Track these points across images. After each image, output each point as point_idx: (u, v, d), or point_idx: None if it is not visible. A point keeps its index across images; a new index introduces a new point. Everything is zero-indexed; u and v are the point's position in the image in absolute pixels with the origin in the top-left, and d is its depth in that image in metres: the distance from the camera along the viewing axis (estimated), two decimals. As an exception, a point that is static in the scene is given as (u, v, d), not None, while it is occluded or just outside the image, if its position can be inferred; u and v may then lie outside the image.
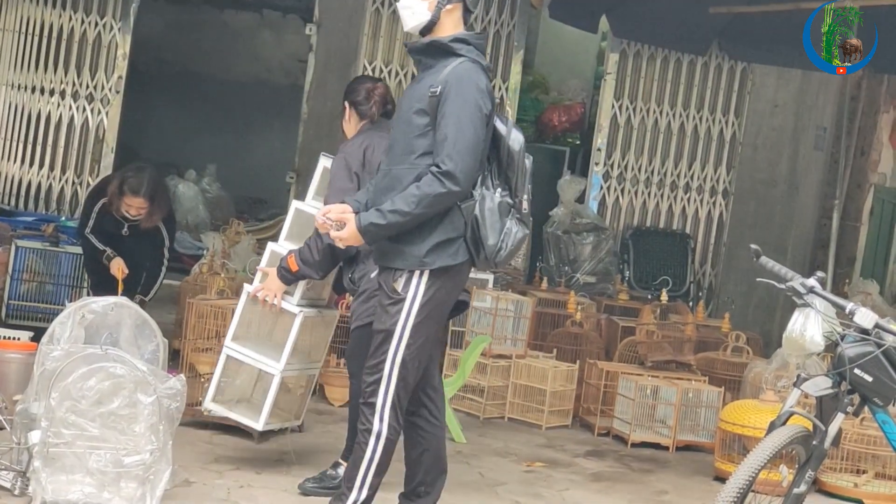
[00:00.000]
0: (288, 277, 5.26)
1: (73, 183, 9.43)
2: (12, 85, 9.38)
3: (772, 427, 4.22)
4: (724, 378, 7.45)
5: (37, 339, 5.59)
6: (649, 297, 8.95)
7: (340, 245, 4.58)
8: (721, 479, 6.06)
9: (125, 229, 6.99)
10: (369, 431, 4.43)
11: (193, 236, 11.91)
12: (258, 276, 5.48)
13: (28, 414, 4.68)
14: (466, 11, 4.57)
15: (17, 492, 4.65)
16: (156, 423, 4.54)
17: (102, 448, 4.50)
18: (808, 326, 4.76)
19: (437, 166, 4.31)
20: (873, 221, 11.42)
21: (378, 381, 4.42)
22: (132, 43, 9.41)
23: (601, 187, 10.08)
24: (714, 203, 10.27)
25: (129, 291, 6.77)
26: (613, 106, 10.06)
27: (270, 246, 5.56)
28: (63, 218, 8.90)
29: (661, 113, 10.16)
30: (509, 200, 4.46)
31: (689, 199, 10.25)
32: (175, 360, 6.38)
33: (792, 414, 4.25)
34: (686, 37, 9.85)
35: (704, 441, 7.03)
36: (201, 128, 14.56)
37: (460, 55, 4.44)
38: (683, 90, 10.19)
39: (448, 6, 4.49)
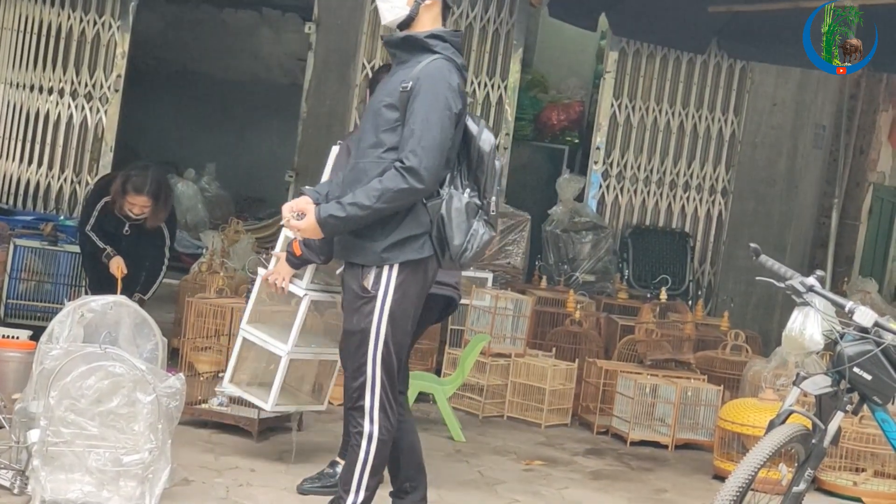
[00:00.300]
0: (294, 262, 5.28)
1: (72, 182, 9.42)
2: (11, 83, 9.38)
3: (771, 426, 4.23)
4: (723, 376, 7.46)
5: (36, 337, 5.59)
6: (648, 295, 8.95)
7: (298, 237, 4.50)
8: (720, 477, 6.07)
9: (126, 228, 6.98)
10: (361, 434, 4.42)
11: (192, 235, 11.91)
12: (273, 260, 5.53)
13: (27, 413, 4.68)
14: (446, 8, 4.54)
15: (16, 490, 4.64)
16: (155, 421, 4.54)
17: (101, 447, 4.50)
18: (808, 325, 4.74)
19: (401, 162, 4.27)
20: (872, 220, 11.43)
21: (363, 385, 4.40)
22: (131, 41, 9.41)
23: (600, 186, 10.08)
24: (713, 202, 10.27)
25: (129, 290, 6.77)
26: (612, 104, 10.06)
27: (284, 231, 5.61)
28: (62, 217, 8.89)
29: (660, 111, 10.16)
30: (477, 201, 4.42)
31: (688, 198, 10.25)
32: (174, 358, 6.39)
33: (791, 412, 4.26)
34: (685, 35, 9.85)
35: (703, 439, 7.04)
36: (200, 126, 14.57)
37: (435, 52, 4.40)
38: (682, 89, 10.18)
39: (427, 1, 4.45)
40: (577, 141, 11.36)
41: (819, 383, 4.30)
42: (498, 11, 9.75)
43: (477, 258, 4.49)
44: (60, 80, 9.39)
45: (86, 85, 9.40)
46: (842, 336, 4.33)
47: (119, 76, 9.37)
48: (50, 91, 9.40)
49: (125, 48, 9.38)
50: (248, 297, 5.86)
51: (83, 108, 9.40)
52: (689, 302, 9.36)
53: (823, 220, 10.98)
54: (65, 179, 9.42)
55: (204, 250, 9.04)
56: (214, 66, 14.73)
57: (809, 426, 4.28)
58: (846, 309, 4.28)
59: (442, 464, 6.08)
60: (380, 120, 4.40)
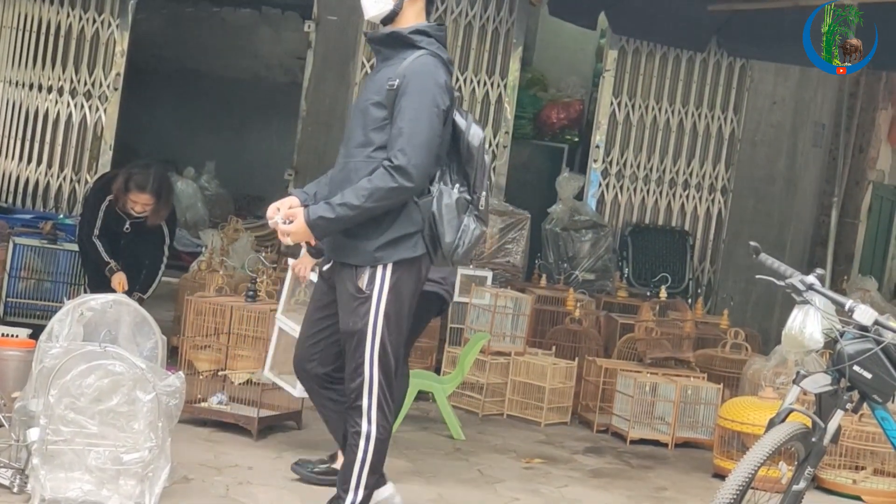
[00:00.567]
0: (311, 251, 5.31)
1: (72, 180, 9.42)
2: (10, 82, 9.38)
3: (771, 424, 4.22)
4: (722, 375, 7.46)
5: (35, 336, 5.59)
6: (648, 294, 8.95)
7: (288, 241, 4.45)
8: (720, 475, 6.06)
9: (127, 226, 6.98)
10: (359, 434, 4.42)
11: (192, 233, 11.91)
12: (302, 249, 5.57)
13: (27, 411, 4.67)
14: (429, 3, 4.51)
15: (15, 489, 4.64)
16: (154, 420, 4.54)
17: (101, 445, 4.49)
18: (808, 323, 4.74)
19: (390, 160, 4.25)
20: (871, 218, 11.44)
21: (361, 385, 4.39)
22: (130, 40, 9.40)
23: (600, 184, 10.07)
24: (713, 200, 10.27)
25: (128, 289, 6.76)
26: (612, 103, 10.05)
27: None
28: (61, 215, 8.89)
29: (659, 110, 10.16)
30: (467, 196, 4.40)
31: (687, 196, 10.24)
32: (174, 357, 6.38)
33: (791, 411, 4.26)
34: (685, 34, 9.84)
35: (703, 438, 7.04)
36: (200, 125, 14.58)
37: (420, 47, 4.37)
38: (682, 87, 10.18)
39: None
40: (576, 139, 11.35)
41: (819, 382, 4.30)
42: (497, 10, 9.74)
43: (468, 254, 4.48)
44: (60, 79, 9.39)
45: (85, 83, 9.39)
46: (841, 334, 4.33)
47: (118, 74, 9.37)
48: (49, 89, 9.39)
49: (124, 46, 9.37)
50: (278, 293, 6.23)
51: (82, 106, 9.39)
52: (689, 300, 9.36)
53: (823, 219, 10.99)
54: (64, 178, 9.41)
55: (203, 249, 9.04)
56: (214, 65, 14.73)
57: (809, 424, 4.28)
58: (846, 307, 4.28)
59: (441, 462, 6.09)
60: (368, 118, 4.37)
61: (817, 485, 6.25)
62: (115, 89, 9.37)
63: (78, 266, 7.77)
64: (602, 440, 7.09)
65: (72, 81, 9.39)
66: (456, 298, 7.62)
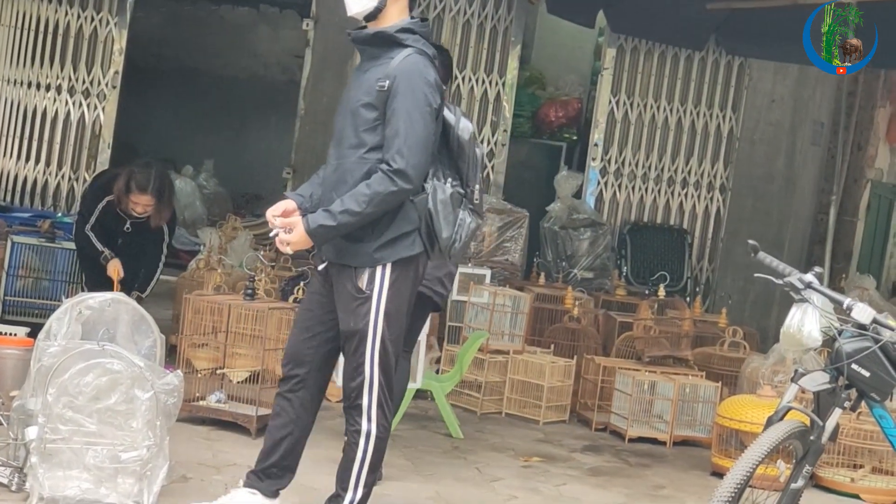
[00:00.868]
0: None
1: (70, 179, 9.41)
2: (8, 80, 9.36)
3: (769, 422, 4.22)
4: (721, 373, 7.46)
5: (33, 335, 5.58)
6: (646, 292, 8.95)
7: (288, 251, 4.43)
8: (718, 474, 6.07)
9: (127, 226, 6.98)
10: (359, 433, 4.42)
11: (190, 232, 11.90)
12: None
13: (25, 410, 4.67)
14: None
15: (14, 488, 4.64)
16: (153, 418, 4.54)
17: (99, 444, 4.49)
18: (806, 322, 4.74)
19: (388, 164, 4.24)
20: (870, 217, 11.42)
21: (361, 384, 4.40)
22: (128, 38, 9.40)
23: (598, 183, 10.07)
24: (711, 198, 10.27)
25: (126, 288, 6.76)
26: (610, 101, 10.05)
27: None
28: (59, 214, 8.89)
29: (658, 108, 10.16)
30: (461, 190, 4.40)
31: (686, 195, 10.25)
32: (172, 355, 6.37)
33: (789, 409, 4.26)
34: (683, 32, 9.84)
35: (701, 436, 7.04)
36: (198, 123, 14.56)
37: (407, 45, 4.35)
38: (681, 85, 10.18)
39: None
40: (575, 137, 11.35)
41: (817, 380, 4.30)
42: (496, 8, 9.74)
43: (465, 248, 4.48)
44: (58, 77, 9.38)
45: (83, 82, 9.39)
46: (840, 332, 4.33)
47: (116, 73, 9.36)
48: (48, 88, 9.38)
49: (122, 45, 9.37)
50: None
51: (81, 104, 9.39)
52: (687, 298, 9.37)
53: (821, 217, 10.98)
54: (62, 176, 9.41)
55: (202, 247, 9.03)
56: (212, 63, 14.72)
57: (807, 423, 4.29)
58: (844, 305, 4.28)
59: (440, 460, 6.09)
60: (359, 120, 4.36)
61: (815, 483, 6.25)
62: (114, 87, 9.37)
63: (76, 264, 7.76)
64: (600, 438, 7.09)
65: (70, 80, 9.38)
66: (454, 297, 7.64)
